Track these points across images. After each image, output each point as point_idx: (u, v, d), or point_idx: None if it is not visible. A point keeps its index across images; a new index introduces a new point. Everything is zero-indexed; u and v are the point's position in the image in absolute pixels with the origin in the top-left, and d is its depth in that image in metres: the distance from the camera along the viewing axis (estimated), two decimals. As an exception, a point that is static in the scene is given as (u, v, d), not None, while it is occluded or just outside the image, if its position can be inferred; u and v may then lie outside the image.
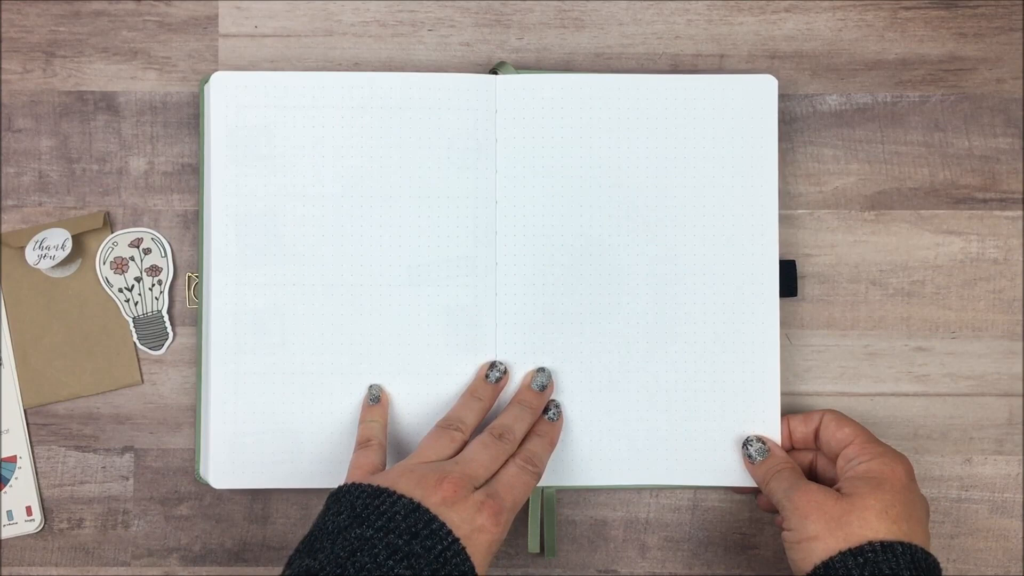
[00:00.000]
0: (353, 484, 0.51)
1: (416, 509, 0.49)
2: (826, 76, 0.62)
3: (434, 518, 0.49)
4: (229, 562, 0.61)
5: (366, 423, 0.58)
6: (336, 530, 0.49)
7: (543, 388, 0.58)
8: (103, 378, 0.61)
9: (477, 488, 0.51)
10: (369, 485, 0.51)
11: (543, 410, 0.58)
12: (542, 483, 0.59)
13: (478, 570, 0.49)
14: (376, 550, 0.47)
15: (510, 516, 0.52)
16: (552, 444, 0.57)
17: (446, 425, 0.55)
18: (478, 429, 0.56)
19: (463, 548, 0.49)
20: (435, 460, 0.53)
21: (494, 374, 0.58)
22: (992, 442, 0.62)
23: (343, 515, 0.49)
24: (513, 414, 0.56)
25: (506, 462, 0.54)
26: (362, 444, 0.56)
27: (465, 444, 0.55)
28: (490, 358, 0.59)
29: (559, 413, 0.59)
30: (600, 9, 0.63)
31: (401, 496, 0.49)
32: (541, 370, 0.59)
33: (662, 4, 0.63)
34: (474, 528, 0.49)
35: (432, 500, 0.49)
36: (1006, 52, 0.63)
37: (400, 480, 0.51)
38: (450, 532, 0.49)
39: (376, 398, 0.58)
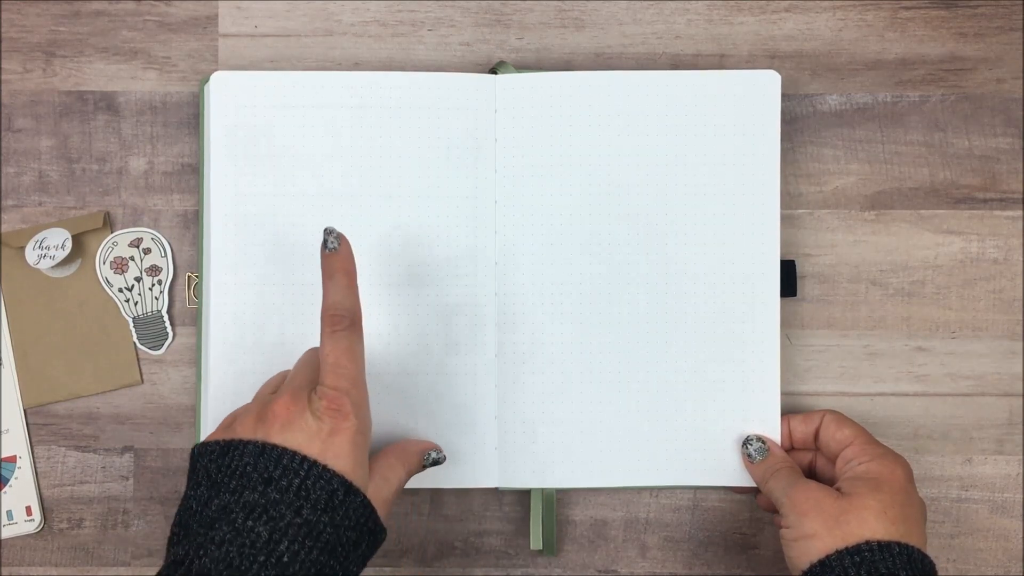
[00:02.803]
0: (202, 444, 0.47)
1: (263, 451, 0.45)
2: (826, 76, 0.62)
3: (283, 452, 0.45)
4: (229, 562, 0.61)
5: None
6: (200, 508, 0.45)
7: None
8: (103, 378, 0.61)
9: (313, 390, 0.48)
10: (217, 443, 0.46)
11: (323, 245, 0.50)
12: (543, 484, 0.59)
13: (354, 467, 0.46)
14: (233, 515, 0.44)
15: (356, 394, 0.47)
16: (347, 274, 0.50)
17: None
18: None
19: (323, 466, 0.45)
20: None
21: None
22: (992, 442, 0.62)
23: (202, 487, 0.46)
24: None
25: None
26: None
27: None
28: (490, 357, 0.59)
29: (339, 238, 0.50)
30: (600, 9, 0.62)
31: (247, 443, 0.46)
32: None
33: (662, 4, 0.63)
34: (325, 435, 0.46)
35: (273, 433, 0.46)
36: (1006, 52, 0.63)
37: (241, 425, 0.47)
38: (304, 459, 0.45)
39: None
